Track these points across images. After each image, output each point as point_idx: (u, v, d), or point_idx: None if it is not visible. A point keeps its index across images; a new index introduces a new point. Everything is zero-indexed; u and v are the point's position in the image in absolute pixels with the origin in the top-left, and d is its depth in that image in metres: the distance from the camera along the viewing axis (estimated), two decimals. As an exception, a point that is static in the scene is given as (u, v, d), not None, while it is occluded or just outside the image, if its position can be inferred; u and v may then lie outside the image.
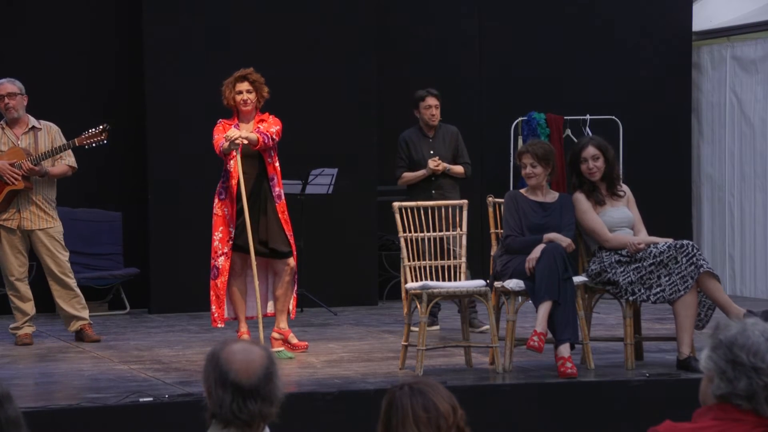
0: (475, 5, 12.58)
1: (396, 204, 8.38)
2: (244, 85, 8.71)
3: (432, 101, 9.92)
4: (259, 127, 8.64)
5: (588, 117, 12.37)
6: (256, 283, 8.59)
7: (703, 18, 13.18)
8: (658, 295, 7.85)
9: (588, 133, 11.78)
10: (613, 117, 12.48)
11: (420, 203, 8.47)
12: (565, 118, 12.22)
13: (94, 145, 9.47)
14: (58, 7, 11.52)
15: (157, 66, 11.35)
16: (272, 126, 8.68)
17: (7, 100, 9.33)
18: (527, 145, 8.36)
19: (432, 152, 9.82)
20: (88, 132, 9.42)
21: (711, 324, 7.17)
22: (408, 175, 9.93)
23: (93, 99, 11.45)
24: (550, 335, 7.74)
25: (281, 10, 11.58)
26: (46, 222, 9.39)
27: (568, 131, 12.21)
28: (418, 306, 7.87)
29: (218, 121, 8.86)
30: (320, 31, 11.63)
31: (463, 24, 12.55)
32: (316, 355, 8.78)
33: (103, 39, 11.62)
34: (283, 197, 8.77)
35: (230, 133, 8.52)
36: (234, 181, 8.64)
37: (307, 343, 8.87)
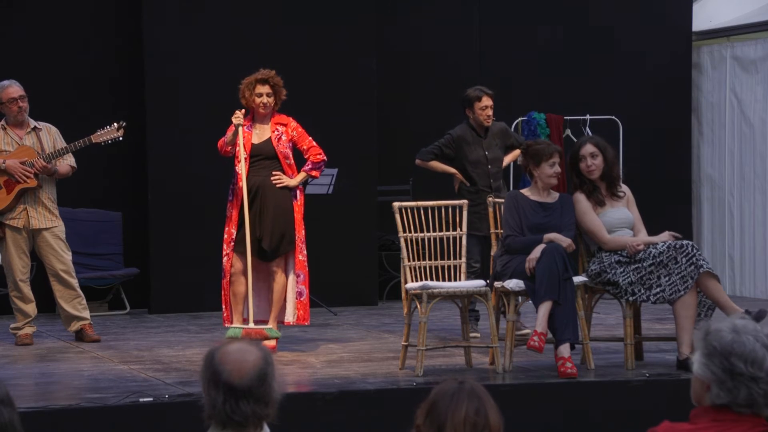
0: (475, 5, 12.58)
1: (396, 204, 8.38)
2: (265, 89, 8.70)
3: (488, 101, 9.59)
4: (311, 164, 8.78)
5: (588, 117, 12.37)
6: (250, 289, 8.59)
7: (703, 18, 13.18)
8: (658, 296, 7.85)
9: (588, 133, 11.79)
10: (613, 117, 12.49)
11: (420, 203, 8.47)
12: (565, 118, 12.22)
13: (110, 142, 9.47)
14: (58, 6, 11.52)
15: (158, 66, 11.35)
16: (311, 145, 8.79)
17: (20, 103, 9.35)
18: (552, 146, 8.22)
19: (487, 153, 9.58)
20: (104, 129, 9.43)
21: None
22: (437, 165, 9.71)
23: (92, 99, 11.45)
24: (550, 335, 7.74)
25: (281, 10, 11.58)
26: (51, 221, 9.40)
27: (568, 131, 12.21)
28: (418, 306, 7.87)
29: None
30: (320, 30, 11.64)
31: (463, 24, 12.55)
32: (316, 355, 8.78)
33: (102, 39, 11.62)
34: (299, 197, 8.75)
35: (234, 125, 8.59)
36: (241, 183, 8.64)
37: (274, 346, 8.76)
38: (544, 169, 8.04)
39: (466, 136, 9.67)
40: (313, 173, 8.84)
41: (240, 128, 8.59)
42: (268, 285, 8.81)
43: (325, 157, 8.87)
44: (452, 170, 9.71)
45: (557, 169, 8.05)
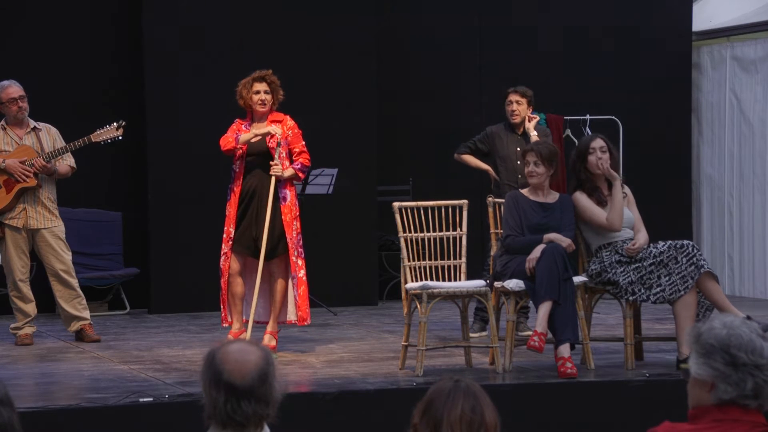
0: (475, 5, 12.58)
1: (396, 204, 8.38)
2: (262, 86, 8.69)
3: (511, 97, 9.56)
4: (300, 165, 8.71)
5: (588, 117, 12.37)
6: (256, 289, 8.58)
7: (703, 18, 13.18)
8: (658, 295, 7.85)
9: (588, 133, 11.78)
10: (613, 117, 12.49)
11: (420, 203, 8.47)
12: (565, 118, 12.21)
13: (109, 141, 9.47)
14: (57, 7, 11.52)
15: (157, 66, 11.35)
16: (303, 150, 8.73)
17: (20, 103, 9.35)
18: (532, 144, 8.38)
19: (519, 149, 9.39)
20: (103, 128, 9.43)
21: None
22: (470, 159, 9.70)
23: (92, 99, 11.45)
24: (550, 335, 7.74)
25: (281, 9, 11.58)
26: (50, 221, 9.40)
27: (568, 131, 12.21)
28: (418, 306, 7.87)
29: (235, 121, 8.82)
30: (320, 30, 11.64)
31: (463, 24, 12.55)
32: (316, 355, 8.78)
33: (102, 39, 11.63)
34: (288, 199, 8.71)
35: (262, 131, 8.57)
36: (239, 182, 8.63)
37: (274, 345, 8.75)
38: (524, 168, 8.13)
39: (500, 132, 9.66)
40: (300, 174, 8.79)
41: (270, 135, 8.57)
42: (267, 286, 8.79)
43: (310, 164, 8.87)
44: (485, 167, 9.68)
45: (531, 168, 8.07)
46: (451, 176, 11.74)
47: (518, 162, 9.45)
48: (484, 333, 9.56)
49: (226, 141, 8.65)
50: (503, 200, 8.28)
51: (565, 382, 7.56)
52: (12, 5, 11.44)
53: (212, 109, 10.79)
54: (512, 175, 9.51)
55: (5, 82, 9.44)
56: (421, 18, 12.48)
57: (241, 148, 8.60)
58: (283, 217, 8.65)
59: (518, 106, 9.56)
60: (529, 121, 9.57)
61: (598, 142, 8.16)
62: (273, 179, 8.54)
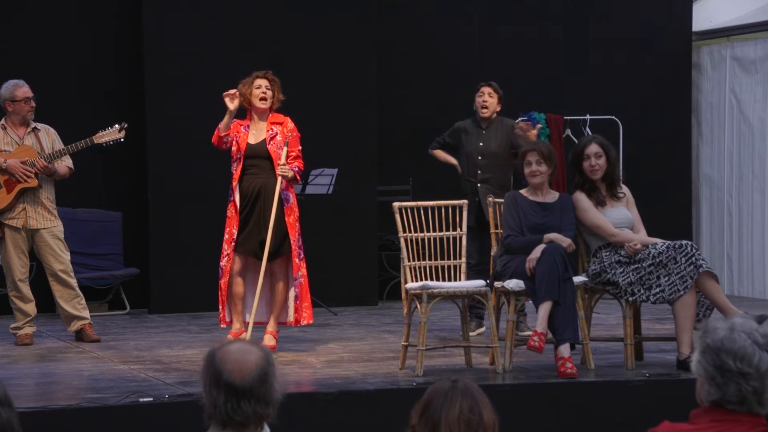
0: (475, 5, 12.58)
1: (396, 204, 8.38)
2: (264, 82, 8.76)
3: (484, 89, 9.65)
4: (297, 168, 8.73)
5: (588, 117, 12.37)
6: (258, 290, 8.57)
7: (703, 18, 13.18)
8: (658, 296, 7.85)
9: (588, 133, 11.79)
10: (613, 117, 12.49)
11: (420, 203, 8.47)
12: (565, 118, 12.22)
13: (111, 143, 9.47)
14: (57, 6, 11.52)
15: (157, 66, 11.35)
16: (299, 155, 8.75)
17: (32, 103, 9.36)
18: (532, 143, 8.37)
19: (481, 144, 9.57)
20: (106, 130, 9.43)
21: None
22: (440, 154, 9.89)
23: (92, 100, 11.46)
24: (550, 335, 7.74)
25: (281, 9, 11.58)
26: (50, 221, 9.40)
27: (568, 131, 12.21)
28: (418, 306, 7.87)
29: (234, 121, 8.84)
30: (320, 31, 11.64)
31: (462, 24, 12.56)
32: (316, 355, 8.78)
33: (102, 39, 11.63)
34: (291, 200, 8.73)
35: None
36: (235, 183, 8.64)
37: (274, 345, 8.75)
38: (525, 169, 8.12)
39: (467, 127, 9.76)
40: (298, 176, 8.82)
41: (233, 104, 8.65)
42: (268, 286, 8.79)
43: (303, 170, 8.92)
44: (453, 161, 9.81)
45: (533, 167, 8.07)
46: (451, 176, 11.75)
47: (479, 158, 9.53)
48: (481, 329, 9.58)
49: (214, 135, 8.72)
50: (502, 200, 8.28)
51: (565, 382, 7.56)
52: (12, 4, 11.43)
53: (212, 109, 10.78)
54: (472, 171, 9.64)
55: (18, 81, 9.43)
56: (421, 19, 12.48)
57: (227, 134, 8.66)
58: (286, 218, 8.67)
59: (490, 99, 9.64)
60: (534, 128, 9.62)
61: (593, 148, 8.14)
62: (280, 180, 8.56)
